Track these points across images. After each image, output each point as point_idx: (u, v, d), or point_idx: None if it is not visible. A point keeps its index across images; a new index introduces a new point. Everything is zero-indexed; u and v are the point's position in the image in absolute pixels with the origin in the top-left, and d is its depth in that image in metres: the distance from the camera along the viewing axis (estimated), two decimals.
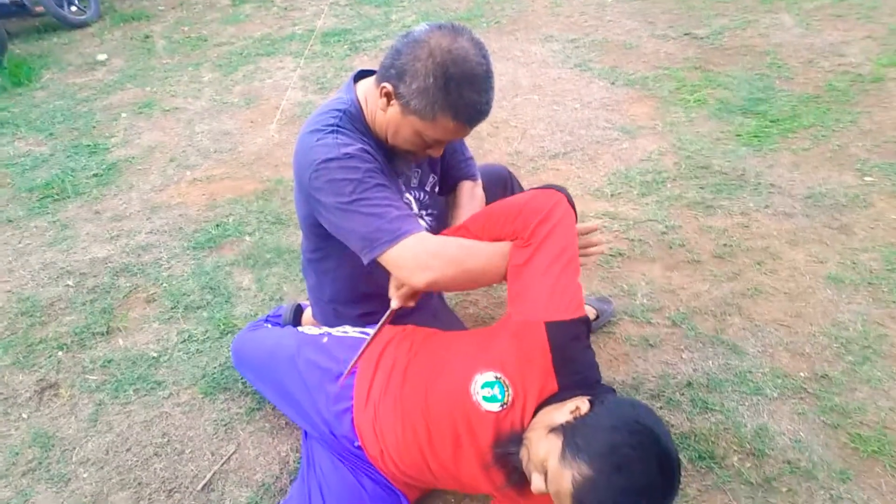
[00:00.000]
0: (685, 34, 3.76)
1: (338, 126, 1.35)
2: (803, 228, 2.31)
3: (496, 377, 1.28)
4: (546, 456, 1.11)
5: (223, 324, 2.09)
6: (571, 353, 1.27)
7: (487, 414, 1.26)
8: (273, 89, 3.64)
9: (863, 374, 1.81)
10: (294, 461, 1.67)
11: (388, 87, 1.30)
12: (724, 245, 2.27)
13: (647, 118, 3.01)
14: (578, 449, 1.08)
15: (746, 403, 1.75)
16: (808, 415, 1.71)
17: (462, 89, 1.24)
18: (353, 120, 1.39)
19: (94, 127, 3.40)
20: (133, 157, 3.09)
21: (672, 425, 1.70)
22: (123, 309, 2.21)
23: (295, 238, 2.46)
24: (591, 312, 1.95)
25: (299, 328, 1.73)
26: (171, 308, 2.19)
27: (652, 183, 2.58)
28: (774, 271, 2.15)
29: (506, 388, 1.27)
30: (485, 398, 1.26)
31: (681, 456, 1.63)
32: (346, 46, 4.06)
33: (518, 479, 1.21)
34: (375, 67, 1.39)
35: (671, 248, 2.28)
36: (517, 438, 1.22)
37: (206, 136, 3.23)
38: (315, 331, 1.64)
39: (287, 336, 1.68)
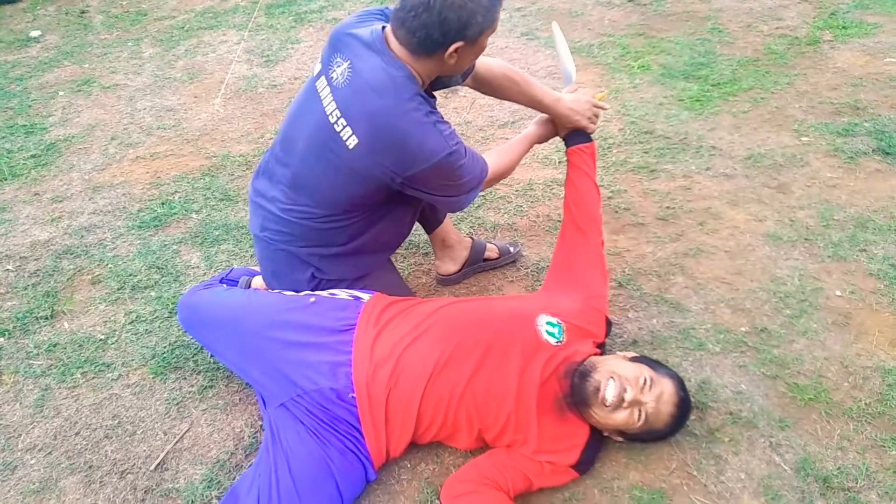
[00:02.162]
0: (629, 1, 3.78)
1: (429, 109, 1.46)
2: (743, 189, 2.38)
3: (558, 321, 1.57)
4: (640, 372, 1.46)
5: (171, 303, 2.06)
6: (604, 344, 1.69)
7: (546, 343, 1.51)
8: (217, 63, 3.55)
9: (800, 326, 1.88)
10: (249, 436, 1.68)
11: (459, 43, 1.40)
12: (668, 207, 2.32)
13: (593, 85, 3.04)
14: (661, 364, 1.57)
15: (690, 359, 1.82)
16: (749, 367, 1.79)
17: None
18: (421, 91, 1.47)
19: (29, 106, 3.28)
20: (73, 137, 3.00)
21: None
22: (68, 292, 2.16)
23: (244, 213, 2.42)
24: (493, 251, 2.16)
25: (272, 291, 1.74)
26: (118, 289, 2.15)
27: (599, 149, 2.61)
28: (716, 231, 2.22)
29: (563, 332, 1.55)
30: (547, 332, 1.53)
31: None
32: (290, 18, 3.98)
33: (567, 401, 1.48)
34: (355, 30, 1.50)
35: (617, 212, 2.32)
36: (590, 368, 1.48)
37: (149, 113, 3.14)
38: (291, 292, 1.69)
39: (261, 296, 1.67)
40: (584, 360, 1.52)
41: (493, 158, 1.69)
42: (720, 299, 1.98)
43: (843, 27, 3.31)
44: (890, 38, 3.19)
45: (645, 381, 1.44)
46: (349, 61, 1.47)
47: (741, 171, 2.46)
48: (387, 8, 1.57)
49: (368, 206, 1.61)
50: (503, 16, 3.72)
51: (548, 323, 1.55)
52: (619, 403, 1.41)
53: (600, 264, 1.79)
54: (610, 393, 1.42)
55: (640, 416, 1.44)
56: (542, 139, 1.90)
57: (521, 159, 1.83)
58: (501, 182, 2.50)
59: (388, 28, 1.47)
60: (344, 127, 1.46)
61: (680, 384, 1.51)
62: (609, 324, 1.72)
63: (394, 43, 1.45)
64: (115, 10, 4.35)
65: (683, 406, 1.51)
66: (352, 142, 1.45)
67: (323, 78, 1.52)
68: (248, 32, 3.84)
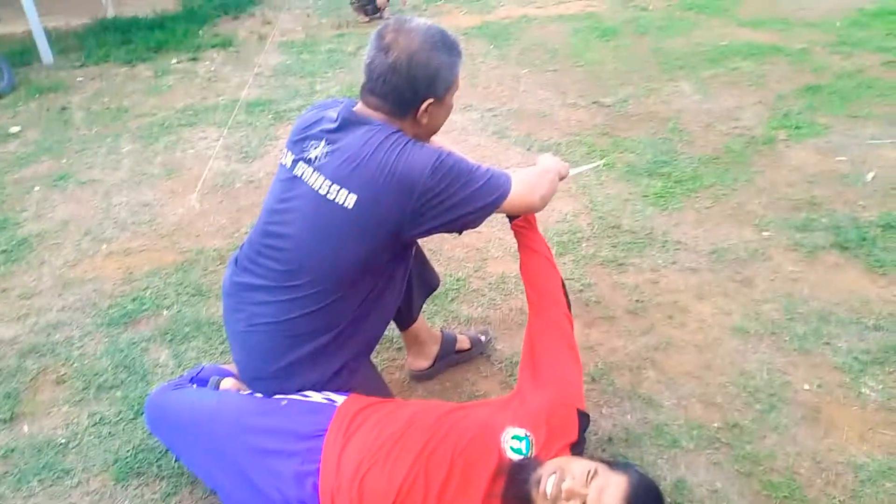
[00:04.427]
0: (594, 102, 3.98)
1: (412, 140, 1.51)
2: (709, 282, 2.45)
3: (526, 434, 1.46)
4: (589, 466, 1.33)
5: (138, 403, 2.01)
6: (583, 441, 1.59)
7: (511, 461, 1.41)
8: (195, 159, 3.62)
9: (771, 421, 1.90)
10: None
11: (430, 99, 1.51)
12: (637, 301, 2.37)
13: (562, 182, 3.14)
14: (627, 465, 1.41)
15: (665, 456, 1.81)
16: (723, 464, 1.78)
17: (447, 38, 1.52)
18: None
19: (3, 201, 3.29)
20: (45, 232, 3.00)
21: None
22: (30, 392, 2.10)
23: (216, 309, 2.41)
24: (464, 342, 2.16)
25: (243, 391, 1.70)
26: (83, 389, 2.10)
27: (568, 243, 2.69)
28: (684, 324, 2.26)
29: (531, 446, 1.44)
30: (512, 448, 1.43)
31: None
32: (270, 116, 4.10)
33: (515, 498, 1.36)
34: (317, 119, 1.59)
35: (588, 305, 2.36)
36: (536, 463, 1.39)
37: (124, 208, 3.16)
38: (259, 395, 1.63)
39: (231, 398, 1.63)
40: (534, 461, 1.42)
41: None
42: (691, 394, 1.99)
43: (797, 127, 3.51)
44: (839, 138, 3.38)
45: (590, 472, 1.32)
46: (324, 140, 1.53)
47: (706, 265, 2.54)
48: (336, 100, 1.67)
49: (373, 269, 1.57)
50: (475, 115, 3.89)
51: (514, 437, 1.45)
52: (558, 495, 1.30)
53: (566, 349, 1.68)
54: (550, 483, 1.31)
55: None
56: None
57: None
58: (474, 275, 2.55)
59: (358, 104, 1.56)
60: (338, 192, 1.47)
61: (637, 483, 1.33)
62: (584, 417, 1.61)
63: (369, 111, 1.54)
64: (95, 106, 4.45)
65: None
66: (350, 201, 1.46)
67: (301, 163, 1.55)
68: (227, 130, 3.94)
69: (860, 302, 2.30)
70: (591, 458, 1.45)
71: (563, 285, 1.78)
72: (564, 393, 1.61)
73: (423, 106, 1.51)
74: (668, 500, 1.69)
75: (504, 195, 1.55)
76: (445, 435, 1.44)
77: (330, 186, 1.48)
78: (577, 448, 1.56)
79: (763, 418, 1.90)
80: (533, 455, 1.43)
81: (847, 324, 2.21)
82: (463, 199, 1.50)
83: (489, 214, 1.56)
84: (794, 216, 2.79)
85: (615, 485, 1.30)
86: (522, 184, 1.60)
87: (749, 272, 2.49)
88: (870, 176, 3.03)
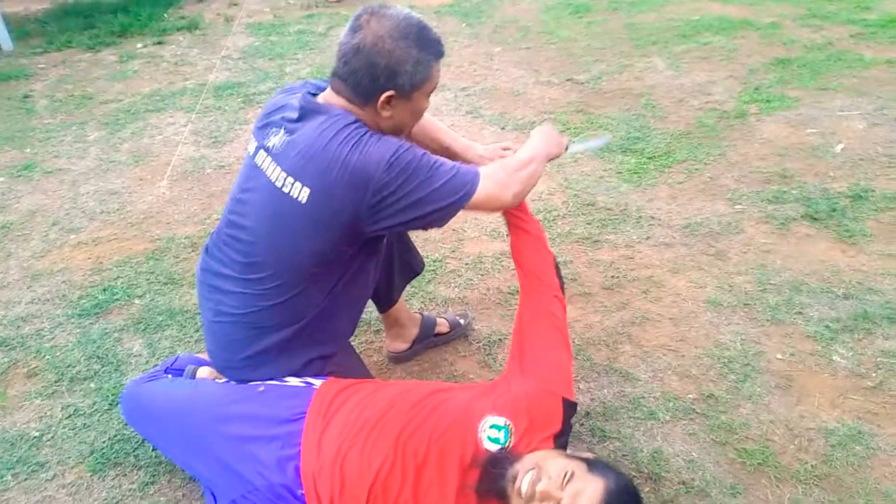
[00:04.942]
0: (567, 80, 3.97)
1: (370, 131, 1.44)
2: (683, 257, 2.47)
3: (505, 423, 1.41)
4: (567, 466, 1.28)
5: (112, 394, 1.99)
6: (568, 429, 1.51)
7: (486, 452, 1.37)
8: (164, 145, 3.55)
9: (745, 391, 1.93)
10: None
11: (390, 91, 1.43)
12: (612, 277, 2.38)
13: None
14: (607, 467, 1.34)
15: (641, 429, 1.83)
16: (699, 434, 1.81)
17: (426, 34, 1.44)
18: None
19: None
20: (11, 223, 2.92)
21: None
22: (0, 387, 2.06)
23: (189, 297, 2.38)
24: (443, 326, 2.15)
25: (219, 380, 1.68)
26: (55, 381, 2.07)
27: (544, 221, 2.69)
28: (659, 299, 2.28)
29: (510, 435, 1.40)
30: (489, 438, 1.39)
31: None
32: (239, 100, 4.03)
33: (477, 490, 1.33)
34: (281, 105, 1.53)
35: (565, 282, 2.36)
36: (513, 458, 1.34)
37: (92, 197, 3.10)
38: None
39: (207, 387, 1.61)
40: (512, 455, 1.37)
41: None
42: (667, 367, 2.02)
43: (767, 101, 3.53)
44: (809, 111, 3.41)
45: (566, 475, 1.27)
46: (283, 128, 1.49)
47: (680, 239, 2.56)
48: (308, 82, 1.62)
49: (335, 263, 1.53)
50: (449, 95, 3.86)
51: (492, 426, 1.40)
52: (533, 495, 1.27)
53: (555, 336, 1.61)
54: (525, 482, 1.27)
55: None
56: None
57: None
58: (451, 256, 2.54)
59: (327, 90, 1.51)
60: (293, 185, 1.42)
61: (614, 489, 1.26)
62: (570, 406, 1.53)
63: (332, 97, 1.48)
64: (59, 94, 4.34)
65: None
66: (304, 194, 1.41)
67: (261, 151, 1.52)
68: (195, 114, 3.86)
69: (831, 272, 2.34)
70: (573, 455, 1.39)
71: (556, 265, 1.72)
72: (550, 381, 1.54)
73: (383, 97, 1.43)
74: (645, 471, 1.71)
75: (468, 195, 1.45)
76: (424, 419, 1.42)
77: (286, 179, 1.44)
78: (562, 437, 1.49)
79: (737, 388, 1.93)
80: (511, 445, 1.39)
81: (818, 293, 2.25)
82: (422, 198, 1.41)
83: (452, 215, 1.47)
84: (766, 189, 2.82)
85: (591, 490, 1.26)
86: (492, 181, 1.49)
87: (722, 245, 2.51)
88: (839, 147, 3.07)
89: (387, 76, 1.41)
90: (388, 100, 1.44)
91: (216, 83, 4.29)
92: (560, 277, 1.71)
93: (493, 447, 1.37)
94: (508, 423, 1.41)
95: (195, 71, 4.56)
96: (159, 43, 5.12)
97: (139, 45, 5.11)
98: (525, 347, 1.60)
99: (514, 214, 1.72)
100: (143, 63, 4.76)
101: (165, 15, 5.80)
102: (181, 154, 3.43)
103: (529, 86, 3.94)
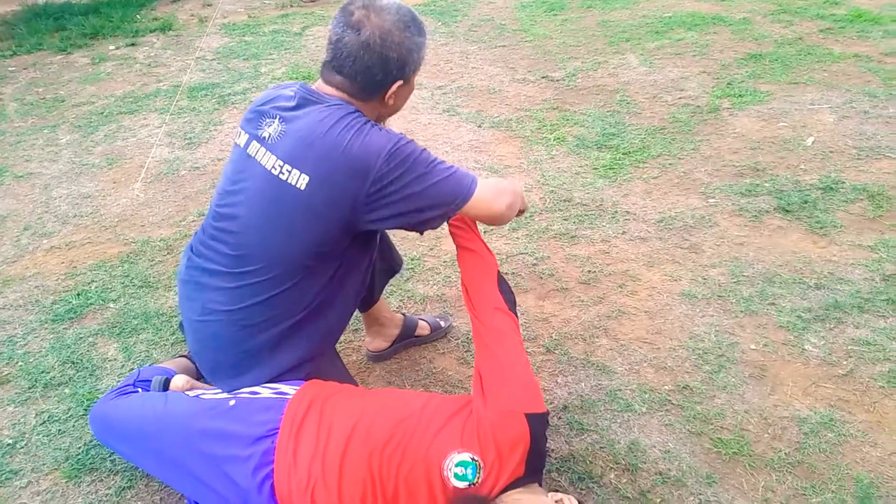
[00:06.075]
0: (543, 77, 3.99)
1: (370, 121, 1.45)
2: (657, 250, 2.49)
3: (472, 458, 1.34)
4: None
5: (87, 399, 1.96)
6: (541, 444, 1.41)
7: (455, 490, 1.31)
8: (137, 148, 3.51)
9: (719, 381, 1.95)
10: None
11: (399, 82, 1.47)
12: (589, 272, 2.40)
13: (513, 157, 3.15)
14: None
15: (618, 421, 1.85)
16: (675, 425, 1.83)
17: (418, 18, 1.47)
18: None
19: None
20: None
21: (552, 450, 1.76)
22: None
23: (165, 300, 2.36)
24: (424, 328, 2.15)
25: (190, 392, 1.61)
26: (29, 388, 2.04)
27: (521, 218, 2.70)
28: (635, 292, 2.30)
29: (478, 471, 1.33)
30: (456, 475, 1.32)
31: (561, 479, 1.69)
32: (214, 100, 4.00)
33: None
34: (274, 97, 1.53)
35: (542, 278, 2.38)
36: (486, 499, 1.30)
37: (65, 201, 3.06)
38: (210, 395, 1.55)
39: (178, 403, 1.55)
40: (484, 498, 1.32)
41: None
42: (643, 359, 2.04)
43: (740, 95, 3.58)
44: (781, 105, 3.46)
45: None
46: (277, 117, 1.48)
47: (655, 233, 2.58)
48: (295, 82, 1.61)
49: (329, 256, 1.51)
50: (425, 94, 3.86)
51: (458, 464, 1.33)
52: None
53: (510, 355, 1.49)
54: None
55: None
56: None
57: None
58: (429, 254, 2.54)
59: (318, 81, 1.50)
60: (290, 172, 1.41)
61: None
62: (537, 419, 1.40)
63: (329, 90, 1.47)
64: (30, 97, 4.28)
65: None
66: (302, 181, 1.40)
67: (254, 142, 1.50)
68: (169, 116, 3.83)
69: (802, 263, 2.37)
70: (550, 491, 1.36)
71: (502, 281, 1.60)
72: (510, 400, 1.42)
73: (393, 88, 1.46)
74: (622, 462, 1.73)
75: (467, 196, 1.46)
76: (390, 456, 1.36)
77: (282, 166, 1.42)
78: (534, 456, 1.38)
79: (712, 379, 1.96)
80: (480, 479, 1.33)
81: (790, 284, 2.28)
82: (419, 192, 1.42)
83: (449, 214, 1.48)
84: (739, 182, 2.85)
85: None
86: (489, 188, 1.49)
87: (696, 238, 2.54)
88: (810, 140, 3.12)
89: (399, 67, 1.44)
90: (397, 89, 1.48)
91: (190, 84, 4.25)
92: (508, 293, 1.60)
93: (462, 484, 1.32)
94: (476, 458, 1.34)
95: (169, 72, 4.52)
96: (132, 44, 5.07)
97: (111, 47, 5.05)
98: (482, 371, 1.50)
99: (459, 235, 1.64)
100: (115, 65, 4.71)
101: (138, 16, 5.73)
102: (155, 156, 3.39)
103: (505, 83, 3.95)
